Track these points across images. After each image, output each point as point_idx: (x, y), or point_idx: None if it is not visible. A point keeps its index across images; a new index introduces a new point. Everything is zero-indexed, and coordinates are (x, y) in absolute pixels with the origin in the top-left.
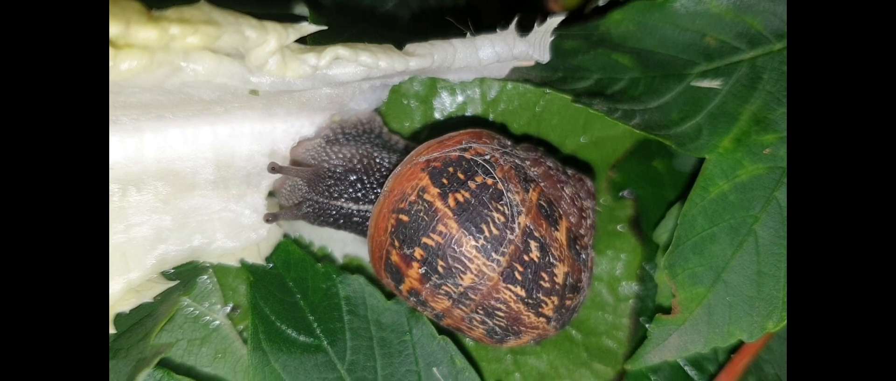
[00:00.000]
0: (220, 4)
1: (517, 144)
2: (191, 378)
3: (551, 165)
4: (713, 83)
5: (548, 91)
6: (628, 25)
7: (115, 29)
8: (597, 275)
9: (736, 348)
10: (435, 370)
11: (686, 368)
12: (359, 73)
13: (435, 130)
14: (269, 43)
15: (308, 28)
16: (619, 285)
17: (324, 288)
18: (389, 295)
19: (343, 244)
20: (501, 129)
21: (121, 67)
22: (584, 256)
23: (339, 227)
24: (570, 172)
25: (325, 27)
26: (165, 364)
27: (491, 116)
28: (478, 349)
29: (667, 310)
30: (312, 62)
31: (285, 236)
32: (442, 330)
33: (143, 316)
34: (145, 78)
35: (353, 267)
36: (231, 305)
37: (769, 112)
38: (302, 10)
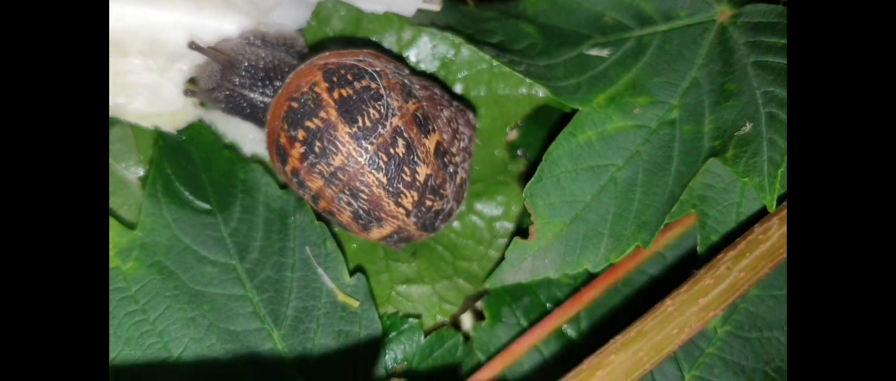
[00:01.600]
0: None
1: (416, 75)
2: None
3: (437, 92)
4: (602, 52)
5: (456, 39)
6: (542, 4)
7: None
8: (478, 212)
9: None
10: (307, 248)
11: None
12: None
13: None
14: None
15: None
16: (495, 223)
17: (225, 168)
18: (282, 185)
19: (252, 144)
20: (413, 70)
21: None
22: (451, 169)
23: (245, 117)
24: (455, 103)
25: None
26: None
27: (403, 54)
28: (359, 252)
29: (525, 234)
30: None
31: (201, 120)
32: (320, 219)
33: None
34: None
35: (254, 162)
36: (143, 170)
37: (646, 80)
38: None
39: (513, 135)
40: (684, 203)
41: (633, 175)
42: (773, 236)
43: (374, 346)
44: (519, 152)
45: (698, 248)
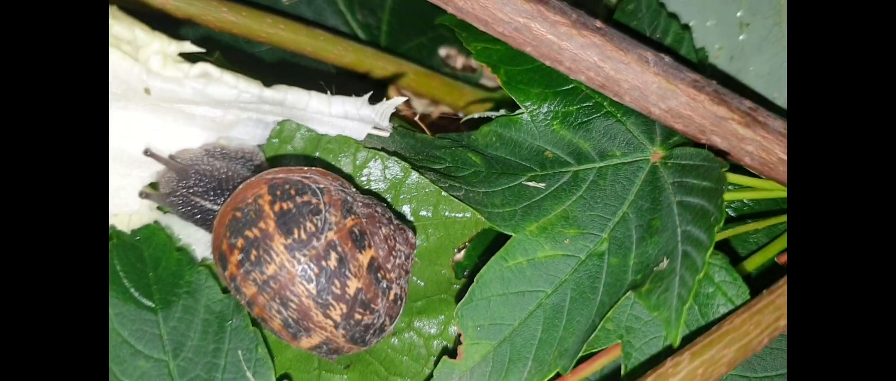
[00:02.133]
0: None
1: (363, 194)
2: None
3: (379, 210)
4: (539, 185)
5: (405, 163)
6: (491, 137)
7: None
8: (417, 330)
9: None
10: (239, 352)
11: None
12: (228, 94)
13: None
14: (153, 45)
15: (190, 47)
16: (433, 341)
17: (173, 269)
18: (225, 291)
19: (205, 249)
20: (363, 190)
21: None
22: (384, 285)
23: (197, 223)
24: (396, 222)
25: (202, 50)
26: None
27: (356, 175)
28: (292, 362)
29: (454, 355)
30: (185, 69)
31: (156, 222)
32: (256, 325)
33: None
34: None
35: (202, 266)
36: None
37: (578, 212)
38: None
39: (459, 256)
40: (611, 333)
41: (560, 302)
42: (681, 372)
43: None
44: (465, 273)
45: (622, 376)
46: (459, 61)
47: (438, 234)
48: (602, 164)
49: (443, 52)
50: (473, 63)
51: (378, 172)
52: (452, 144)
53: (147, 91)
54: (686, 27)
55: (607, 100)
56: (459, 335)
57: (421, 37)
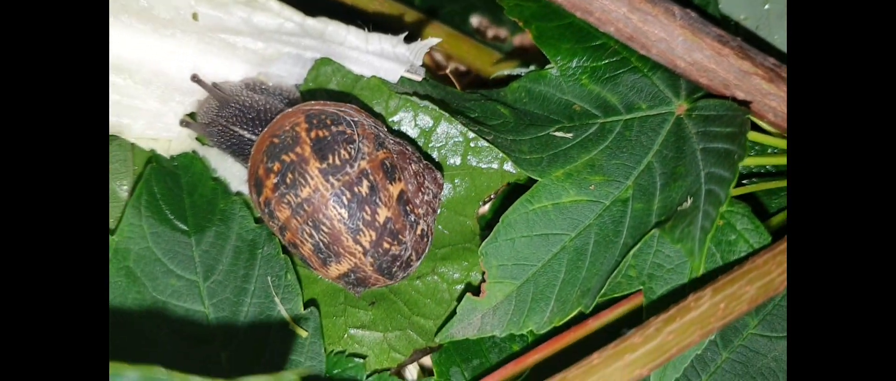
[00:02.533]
0: None
1: (394, 134)
2: None
3: (409, 149)
4: (566, 135)
5: (436, 111)
6: (520, 92)
7: None
8: (442, 274)
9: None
10: (268, 278)
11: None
12: (272, 23)
13: None
14: None
15: None
16: (456, 286)
17: (208, 197)
18: (258, 221)
19: (239, 183)
20: (393, 131)
21: None
22: (412, 218)
23: (235, 153)
24: (425, 161)
25: None
26: None
27: (388, 120)
28: (320, 296)
29: (477, 292)
30: None
31: (195, 152)
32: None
33: None
34: None
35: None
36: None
37: (604, 161)
38: None
39: (485, 209)
40: (634, 280)
41: (583, 245)
42: (703, 306)
43: (316, 378)
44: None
45: (643, 319)
46: (490, 31)
47: (465, 184)
48: (628, 116)
49: (474, 21)
50: (503, 33)
51: (409, 119)
52: (482, 98)
53: (195, 17)
54: None
55: (635, 55)
56: (483, 279)
57: (453, 4)
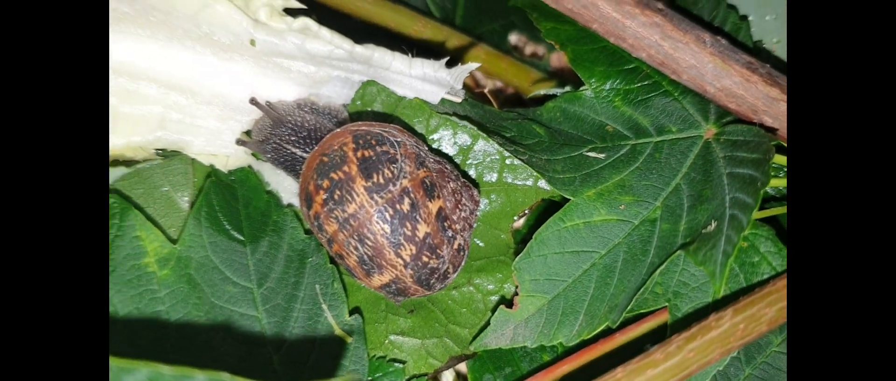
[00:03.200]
0: None
1: (434, 153)
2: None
3: (448, 167)
4: (599, 155)
5: (473, 130)
6: (555, 112)
7: None
8: (477, 286)
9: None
10: (317, 286)
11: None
12: (323, 49)
13: None
14: None
15: (294, 2)
16: (490, 297)
17: (262, 209)
18: (308, 232)
19: (290, 196)
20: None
21: None
22: (449, 234)
23: (287, 169)
24: (463, 180)
25: (304, 6)
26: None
27: (428, 138)
28: (363, 303)
29: (510, 304)
30: (288, 22)
31: (250, 167)
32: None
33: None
34: (187, 4)
35: (289, 209)
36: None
37: (634, 181)
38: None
39: (519, 223)
40: (660, 297)
41: (612, 263)
42: (724, 325)
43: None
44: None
45: (668, 335)
46: (528, 48)
47: (501, 199)
48: (659, 138)
49: (513, 38)
50: (540, 50)
51: (448, 137)
52: (518, 117)
53: (252, 43)
54: (744, 18)
55: (666, 79)
56: (516, 292)
57: (493, 23)
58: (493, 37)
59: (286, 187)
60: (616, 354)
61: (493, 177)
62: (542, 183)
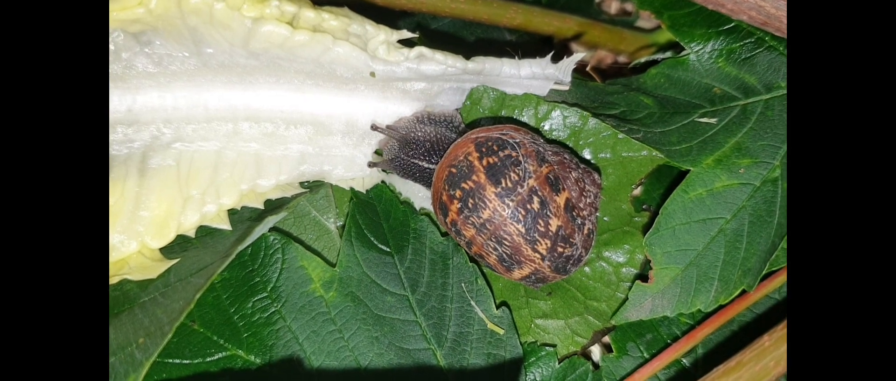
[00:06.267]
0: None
1: (550, 143)
2: (302, 247)
3: (567, 157)
4: (711, 120)
5: (583, 112)
6: (660, 79)
7: (289, 7)
8: (607, 259)
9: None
10: (462, 285)
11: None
12: (437, 69)
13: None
14: (380, 36)
15: (406, 33)
16: (621, 268)
17: (400, 219)
18: (444, 234)
19: (421, 201)
20: (549, 139)
21: (296, 38)
22: (578, 221)
23: (416, 180)
24: (583, 165)
25: (415, 35)
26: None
27: (539, 126)
28: (504, 290)
29: (645, 279)
30: (405, 53)
31: (383, 182)
32: (473, 261)
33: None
34: (309, 50)
35: (422, 214)
36: (341, 222)
37: (750, 143)
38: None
39: (637, 191)
40: None
41: (739, 227)
42: None
43: (517, 368)
44: (643, 207)
45: None
46: (614, 6)
47: (617, 173)
48: (769, 95)
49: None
50: (628, 6)
51: (559, 122)
52: (624, 89)
53: (372, 74)
54: None
55: (769, 35)
56: (647, 262)
57: None
58: (578, 2)
59: (415, 193)
60: (753, 311)
61: (608, 154)
62: (657, 151)
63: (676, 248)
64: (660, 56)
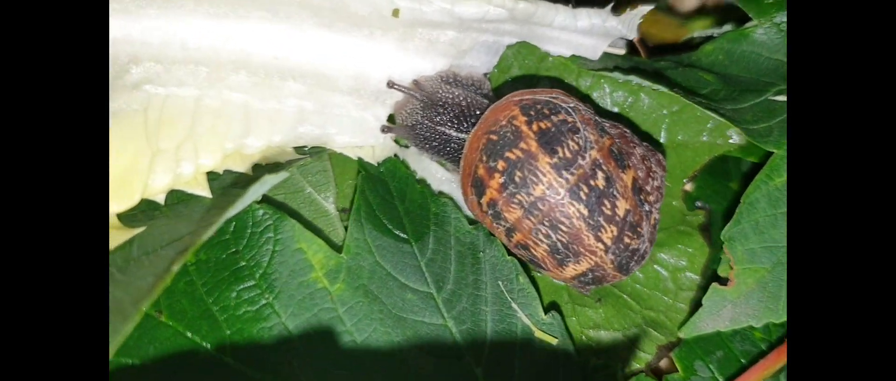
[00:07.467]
0: None
1: (602, 115)
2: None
3: (627, 131)
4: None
5: (635, 85)
6: (717, 55)
7: None
8: (662, 262)
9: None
10: (500, 282)
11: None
12: (476, 12)
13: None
14: None
15: None
16: (681, 274)
17: (418, 201)
18: (472, 222)
19: (439, 183)
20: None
21: None
22: (646, 208)
23: (438, 152)
24: (645, 143)
25: None
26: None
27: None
28: (544, 296)
29: (723, 281)
30: None
31: (396, 155)
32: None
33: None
34: None
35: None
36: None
37: None
38: None
39: (689, 186)
40: None
41: None
42: None
43: None
44: (697, 204)
45: None
46: None
47: (670, 162)
48: None
49: None
50: None
51: (605, 97)
52: (676, 66)
53: (395, 13)
54: None
55: None
56: (710, 268)
57: None
58: None
59: (433, 173)
60: None
61: (661, 137)
62: (719, 138)
63: (761, 244)
64: (715, 31)
